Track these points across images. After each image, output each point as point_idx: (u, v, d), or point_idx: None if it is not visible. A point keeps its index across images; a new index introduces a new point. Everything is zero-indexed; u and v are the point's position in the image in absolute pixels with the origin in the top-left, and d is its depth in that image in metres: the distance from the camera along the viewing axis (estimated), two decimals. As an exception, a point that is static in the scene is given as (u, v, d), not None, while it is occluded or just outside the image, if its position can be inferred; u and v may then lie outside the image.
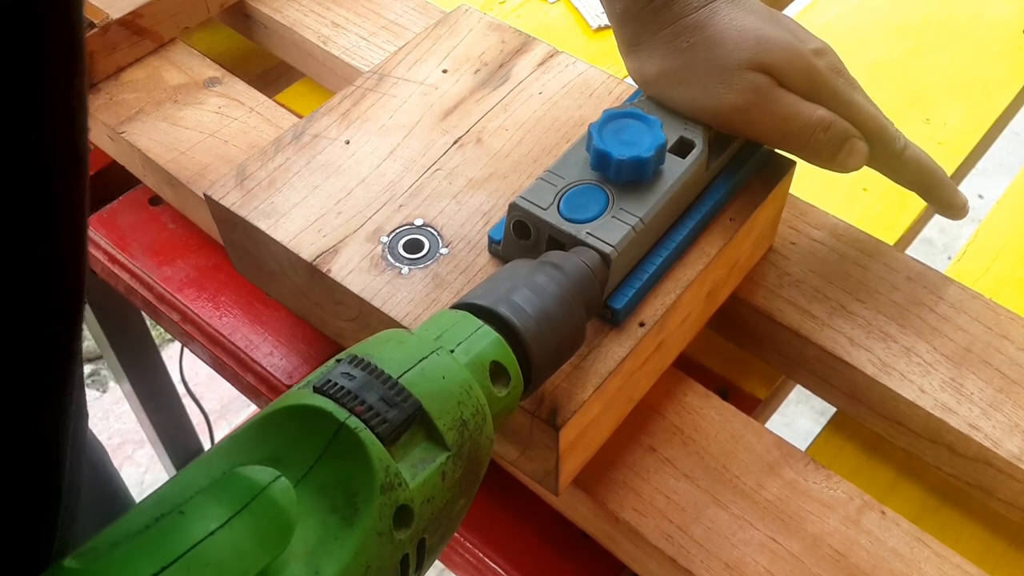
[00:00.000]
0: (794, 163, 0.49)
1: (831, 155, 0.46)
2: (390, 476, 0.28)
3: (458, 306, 0.36)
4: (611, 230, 0.41)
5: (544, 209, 0.42)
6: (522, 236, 0.43)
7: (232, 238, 0.49)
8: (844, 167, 0.46)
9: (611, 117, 0.44)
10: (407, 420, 0.29)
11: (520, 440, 0.42)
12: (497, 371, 0.33)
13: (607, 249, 0.41)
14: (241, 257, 0.50)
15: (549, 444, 0.40)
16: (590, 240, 0.41)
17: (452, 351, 0.32)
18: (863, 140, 0.46)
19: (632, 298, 0.42)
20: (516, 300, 0.35)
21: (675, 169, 0.44)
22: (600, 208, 0.42)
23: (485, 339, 0.34)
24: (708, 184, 0.47)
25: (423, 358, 0.31)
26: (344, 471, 0.28)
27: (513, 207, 0.43)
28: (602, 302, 0.41)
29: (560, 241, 0.42)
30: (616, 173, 0.43)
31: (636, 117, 0.44)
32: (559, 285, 0.37)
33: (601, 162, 0.43)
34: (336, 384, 0.29)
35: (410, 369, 0.31)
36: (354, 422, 0.28)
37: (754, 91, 0.44)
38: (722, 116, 0.45)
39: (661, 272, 0.44)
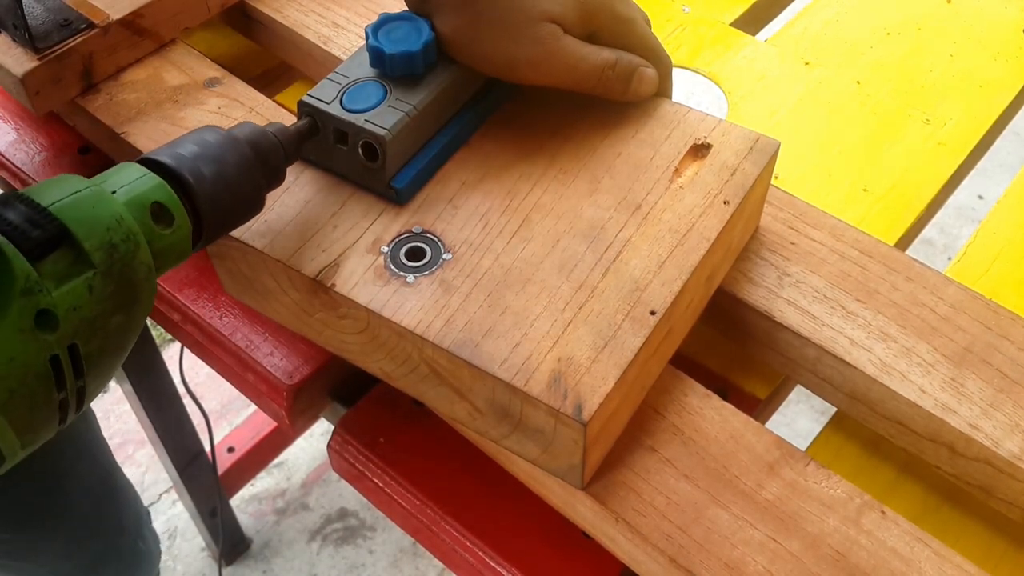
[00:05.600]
0: (779, 143, 0.49)
1: (623, 88, 0.50)
2: (30, 282, 0.32)
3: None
4: (386, 116, 0.46)
5: (327, 103, 0.46)
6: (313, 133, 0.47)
7: (225, 264, 0.49)
8: (638, 96, 0.50)
9: (386, 20, 0.48)
10: (51, 239, 0.33)
11: (543, 438, 0.42)
12: (160, 211, 0.38)
13: (382, 132, 0.45)
14: (235, 280, 0.50)
15: (575, 439, 0.40)
16: (368, 126, 0.45)
17: (113, 192, 0.37)
18: (649, 66, 0.50)
19: (413, 179, 0.47)
20: (183, 152, 0.40)
21: (447, 66, 0.49)
22: (378, 99, 0.47)
23: (147, 183, 0.38)
24: (483, 85, 0.51)
25: (76, 192, 0.35)
26: None
27: (301, 104, 0.47)
28: (284, 173, 0.45)
29: (343, 131, 0.46)
30: (391, 68, 0.47)
31: (408, 19, 0.48)
32: (230, 142, 0.41)
33: (377, 59, 0.47)
34: None
35: (61, 200, 0.35)
36: None
37: (541, 43, 0.47)
38: (518, 72, 0.48)
39: (440, 158, 0.48)
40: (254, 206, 0.43)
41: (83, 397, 0.35)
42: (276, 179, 0.44)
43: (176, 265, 0.39)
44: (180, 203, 0.39)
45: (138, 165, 0.39)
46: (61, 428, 0.36)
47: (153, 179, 0.38)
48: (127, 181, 0.38)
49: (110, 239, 0.35)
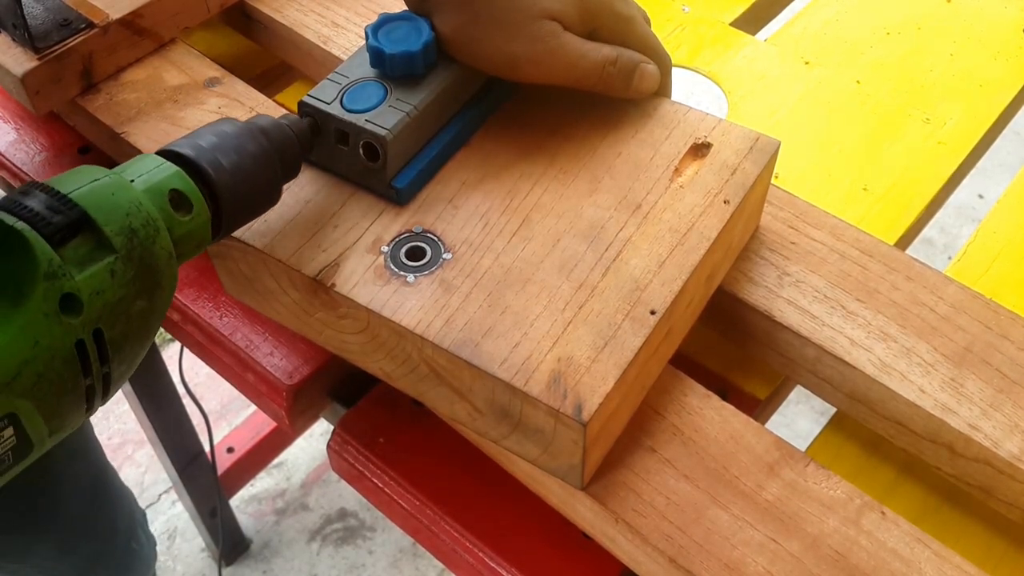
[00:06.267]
0: (779, 142, 0.49)
1: (624, 85, 0.49)
2: (53, 267, 0.33)
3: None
4: (387, 116, 0.46)
5: (328, 104, 0.46)
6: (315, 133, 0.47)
7: (225, 264, 0.49)
8: (640, 93, 0.50)
9: (386, 20, 0.48)
10: (72, 224, 0.34)
11: (542, 438, 0.42)
12: (178, 199, 0.38)
13: (382, 132, 0.45)
14: (235, 280, 0.49)
15: (575, 439, 0.40)
16: (368, 127, 0.45)
17: (132, 181, 0.37)
18: (651, 63, 0.50)
19: (414, 179, 0.47)
20: (201, 143, 0.40)
21: (447, 66, 0.48)
22: (379, 99, 0.47)
23: (164, 171, 0.39)
24: (484, 84, 0.51)
25: (95, 180, 0.36)
26: (12, 265, 0.33)
27: (302, 105, 0.47)
28: (299, 165, 0.45)
29: (344, 132, 0.46)
30: (391, 68, 0.47)
31: (408, 19, 0.48)
32: (248, 133, 0.42)
33: (377, 59, 0.47)
34: (13, 201, 0.34)
35: (81, 188, 0.35)
36: (20, 225, 0.33)
37: (541, 40, 0.46)
38: (519, 70, 0.48)
39: (441, 158, 0.48)
40: (271, 197, 0.44)
41: (109, 384, 0.36)
42: (292, 171, 0.45)
43: (197, 254, 0.40)
44: (198, 191, 0.39)
45: (156, 156, 0.40)
46: (87, 416, 0.36)
47: (171, 168, 0.39)
48: (145, 170, 0.38)
49: (130, 224, 0.36)
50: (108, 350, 0.35)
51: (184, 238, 0.39)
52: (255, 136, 0.42)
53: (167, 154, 0.40)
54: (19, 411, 0.32)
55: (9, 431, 0.32)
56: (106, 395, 0.36)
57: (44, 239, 0.33)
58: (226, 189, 0.40)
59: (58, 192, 0.35)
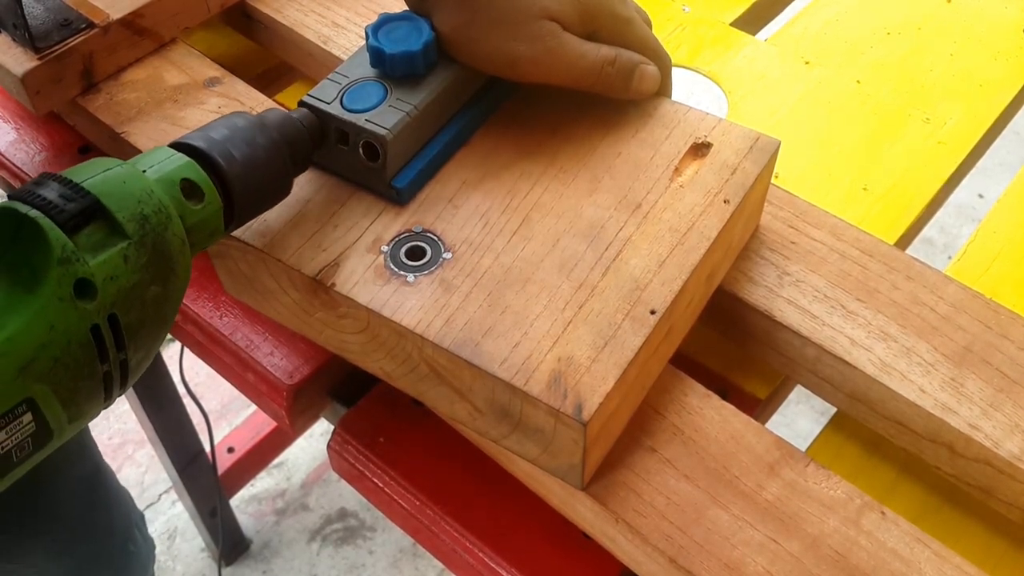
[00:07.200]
0: (779, 142, 0.49)
1: (624, 86, 0.49)
2: (67, 252, 0.33)
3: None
4: (387, 116, 0.46)
5: (328, 103, 0.46)
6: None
7: (225, 264, 0.49)
8: (640, 93, 0.50)
9: (386, 19, 0.48)
10: (85, 211, 0.35)
11: (543, 438, 0.42)
12: (190, 188, 0.39)
13: (382, 132, 0.45)
14: (235, 280, 0.49)
15: (575, 439, 0.40)
16: (368, 126, 0.45)
17: (144, 171, 0.38)
18: (650, 64, 0.50)
19: (414, 179, 0.47)
20: (213, 135, 0.41)
21: (447, 65, 0.48)
22: (379, 99, 0.47)
23: (176, 162, 0.39)
24: (484, 84, 0.51)
25: (107, 169, 0.37)
26: (27, 253, 0.33)
27: (302, 104, 0.47)
28: (310, 158, 0.46)
29: (344, 131, 0.46)
30: (391, 67, 0.47)
31: (408, 19, 0.48)
32: (259, 126, 0.43)
33: (377, 59, 0.47)
34: (27, 191, 0.35)
35: (93, 177, 0.36)
36: (34, 213, 0.34)
37: (541, 40, 0.47)
38: (519, 69, 0.48)
39: (441, 158, 0.48)
40: (282, 189, 0.44)
41: (127, 372, 0.36)
42: (303, 164, 0.45)
43: (211, 243, 0.41)
44: (209, 181, 0.40)
45: (168, 147, 0.40)
46: (107, 405, 0.36)
47: (182, 158, 0.40)
48: (157, 161, 0.39)
49: (141, 211, 0.36)
50: (124, 336, 0.35)
51: (197, 226, 0.39)
52: (266, 129, 0.43)
53: (179, 146, 0.41)
54: (37, 396, 0.32)
55: (28, 416, 0.33)
56: (124, 384, 0.37)
57: (58, 226, 0.34)
58: (237, 180, 0.41)
59: (71, 181, 0.35)
